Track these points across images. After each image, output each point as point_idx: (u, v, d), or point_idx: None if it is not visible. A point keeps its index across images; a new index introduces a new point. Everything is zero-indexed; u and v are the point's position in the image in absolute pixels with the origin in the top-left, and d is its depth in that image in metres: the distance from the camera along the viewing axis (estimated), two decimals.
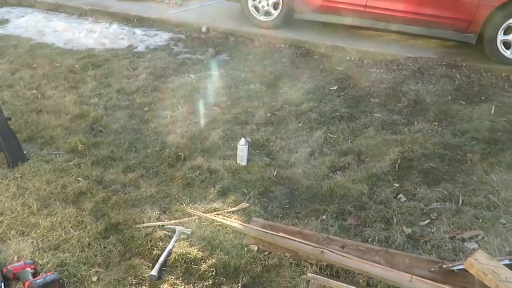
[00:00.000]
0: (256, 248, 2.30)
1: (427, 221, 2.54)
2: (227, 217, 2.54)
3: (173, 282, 2.11)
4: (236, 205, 2.65)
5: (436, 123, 3.67)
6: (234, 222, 2.47)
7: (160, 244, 2.33)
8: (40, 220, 2.44)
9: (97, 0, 6.91)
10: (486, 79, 4.53)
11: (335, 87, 4.34)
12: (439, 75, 4.54)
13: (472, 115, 3.80)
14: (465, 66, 4.74)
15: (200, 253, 2.27)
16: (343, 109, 3.90)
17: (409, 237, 2.41)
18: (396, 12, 5.11)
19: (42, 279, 1.99)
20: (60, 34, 5.71)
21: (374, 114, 3.83)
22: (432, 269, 2.11)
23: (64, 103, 3.84)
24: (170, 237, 2.38)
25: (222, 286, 2.10)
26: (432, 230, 2.46)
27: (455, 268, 2.05)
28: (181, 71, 4.67)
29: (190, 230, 2.42)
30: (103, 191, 2.73)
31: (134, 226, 2.45)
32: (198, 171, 2.98)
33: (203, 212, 2.56)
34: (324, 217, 2.58)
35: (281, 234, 2.32)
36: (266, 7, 5.77)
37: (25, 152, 3.01)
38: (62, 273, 2.11)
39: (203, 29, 5.95)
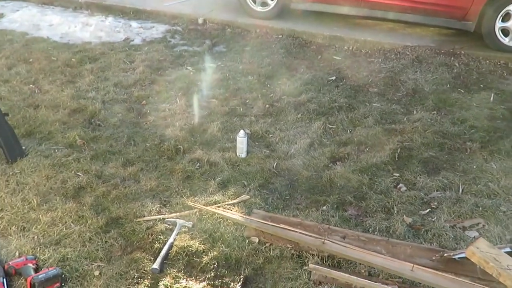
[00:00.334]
0: (257, 240, 2.30)
1: (428, 210, 2.55)
2: (228, 209, 2.53)
3: (175, 275, 2.12)
4: (236, 197, 2.64)
5: (435, 112, 3.66)
6: (235, 215, 2.47)
7: (161, 237, 2.33)
8: (40, 216, 2.44)
9: None
10: (484, 67, 4.51)
11: (333, 78, 4.32)
12: (438, 63, 4.53)
13: (471, 103, 3.80)
14: (464, 54, 4.72)
15: (202, 246, 2.27)
16: (341, 99, 3.88)
17: (409, 226, 2.42)
18: (393, 0, 5.07)
19: (44, 274, 1.99)
20: (55, 27, 5.66)
21: (373, 104, 3.81)
22: (433, 258, 2.11)
23: (62, 97, 3.82)
24: (171, 230, 2.38)
25: (224, 278, 2.11)
26: (433, 219, 2.47)
27: (456, 256, 2.06)
28: (178, 63, 4.64)
29: (191, 223, 2.42)
30: (103, 185, 2.72)
31: (135, 220, 2.45)
32: (198, 164, 2.97)
33: (204, 205, 2.56)
34: (324, 208, 2.58)
35: (282, 225, 2.32)
36: None
37: (23, 147, 3.00)
38: (64, 268, 2.11)
39: (200, 21, 5.90)
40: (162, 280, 2.09)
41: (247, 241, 2.30)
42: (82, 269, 2.12)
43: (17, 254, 2.19)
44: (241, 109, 3.73)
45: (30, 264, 2.07)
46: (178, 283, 2.07)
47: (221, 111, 3.69)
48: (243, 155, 3.06)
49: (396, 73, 4.40)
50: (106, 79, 4.24)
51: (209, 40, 5.31)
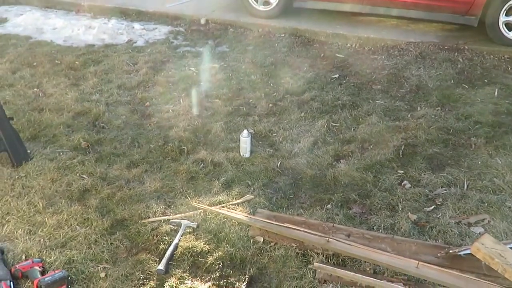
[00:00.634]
0: (262, 240, 2.31)
1: (433, 207, 2.54)
2: (232, 209, 2.54)
3: (181, 276, 2.12)
4: (240, 197, 2.65)
5: (439, 108, 3.64)
6: (239, 214, 2.47)
7: (166, 238, 2.34)
8: (46, 219, 2.46)
9: None
10: (488, 62, 4.48)
11: (337, 75, 4.31)
12: (441, 59, 4.50)
13: (475, 99, 3.77)
14: (467, 49, 4.69)
15: (207, 246, 2.28)
16: (345, 97, 3.87)
17: (414, 223, 2.41)
18: None
19: (50, 277, 2.01)
20: (59, 31, 5.69)
21: (377, 101, 3.80)
22: (438, 254, 2.11)
23: (66, 100, 3.84)
24: (176, 231, 2.39)
25: (229, 278, 2.12)
26: (438, 216, 2.46)
27: (461, 253, 2.06)
28: (181, 64, 4.65)
29: (196, 223, 2.43)
30: (108, 188, 2.74)
31: (139, 221, 2.46)
32: (202, 164, 2.98)
33: (208, 205, 2.57)
34: (329, 206, 2.57)
35: (286, 224, 2.33)
36: None
37: (28, 151, 3.02)
38: (70, 270, 2.13)
39: (202, 21, 5.90)
40: (167, 281, 2.09)
41: (251, 240, 2.31)
42: (88, 271, 2.14)
43: (23, 257, 2.21)
44: (245, 109, 3.73)
45: (37, 267, 2.09)
46: (184, 283, 2.08)
47: (225, 111, 3.69)
48: (247, 154, 3.06)
49: (399, 69, 4.38)
50: (109, 81, 4.26)
51: (212, 40, 5.32)
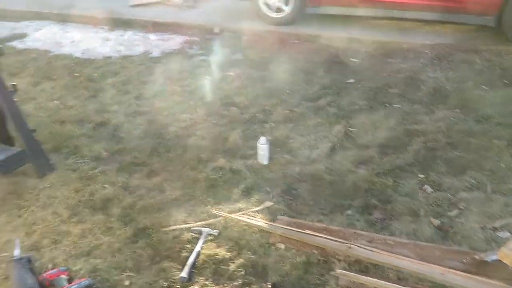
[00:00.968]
0: (283, 246, 2.31)
1: (456, 211, 2.50)
2: (252, 216, 2.55)
3: (203, 284, 2.14)
4: (260, 204, 2.66)
5: (458, 110, 3.59)
6: (260, 221, 2.48)
7: (188, 246, 2.36)
8: (71, 228, 2.51)
9: (111, 8, 6.99)
10: (507, 62, 4.40)
11: (352, 80, 4.30)
12: (458, 60, 4.45)
13: (495, 100, 3.71)
14: (485, 50, 4.62)
15: (228, 254, 2.29)
16: (361, 101, 3.86)
17: (437, 228, 2.38)
18: None
19: (76, 285, 2.05)
20: (77, 44, 5.82)
21: (394, 105, 3.77)
22: (464, 260, 2.07)
23: (86, 112, 3.92)
24: (198, 239, 2.40)
25: (251, 285, 2.12)
26: (461, 220, 2.42)
27: (488, 258, 2.01)
28: (197, 73, 4.70)
29: (217, 231, 2.44)
30: (129, 197, 2.78)
31: (161, 229, 2.49)
32: (221, 172, 3.00)
33: (228, 213, 2.58)
34: (349, 212, 2.56)
35: (307, 231, 2.32)
36: (277, 3, 5.75)
37: (51, 162, 3.09)
38: (95, 278, 2.16)
39: (216, 30, 5.97)
40: None
41: (272, 247, 2.31)
42: (113, 279, 2.17)
43: (50, 266, 2.26)
44: (261, 116, 3.75)
45: (63, 276, 2.14)
46: None
47: (241, 119, 3.71)
48: (265, 161, 3.07)
49: (415, 72, 4.34)
50: (127, 92, 4.33)
51: (227, 49, 5.36)
